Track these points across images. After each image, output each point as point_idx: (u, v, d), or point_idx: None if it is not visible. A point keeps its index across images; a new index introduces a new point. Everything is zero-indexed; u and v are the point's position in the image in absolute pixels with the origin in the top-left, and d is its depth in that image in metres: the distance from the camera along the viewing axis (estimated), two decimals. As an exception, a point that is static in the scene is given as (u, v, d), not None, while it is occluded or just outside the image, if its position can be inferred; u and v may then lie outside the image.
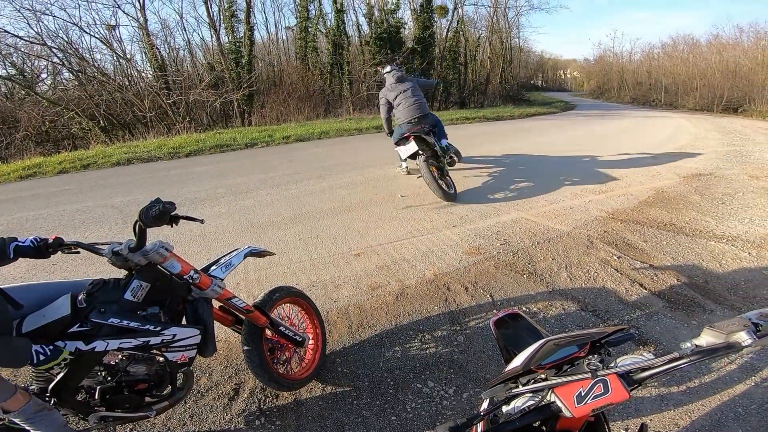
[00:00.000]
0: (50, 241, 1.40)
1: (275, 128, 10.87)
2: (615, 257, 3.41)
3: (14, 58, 13.47)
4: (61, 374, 1.32)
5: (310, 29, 16.70)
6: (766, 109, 17.85)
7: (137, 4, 13.52)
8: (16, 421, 1.26)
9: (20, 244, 1.36)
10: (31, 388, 1.36)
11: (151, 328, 1.36)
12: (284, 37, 19.07)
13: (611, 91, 33.34)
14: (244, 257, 1.80)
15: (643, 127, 12.67)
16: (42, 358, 1.19)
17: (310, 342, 2.11)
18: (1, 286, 1.29)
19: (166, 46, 15.54)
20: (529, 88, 36.12)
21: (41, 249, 1.38)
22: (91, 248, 1.42)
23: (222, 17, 14.72)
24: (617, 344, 0.99)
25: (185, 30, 17.17)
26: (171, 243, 1.46)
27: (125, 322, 1.30)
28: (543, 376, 0.97)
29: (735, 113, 19.31)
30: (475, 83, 22.17)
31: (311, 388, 2.05)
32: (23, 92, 13.40)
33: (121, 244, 1.38)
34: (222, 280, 1.62)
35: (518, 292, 2.88)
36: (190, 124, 11.92)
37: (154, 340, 1.38)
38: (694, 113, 19.97)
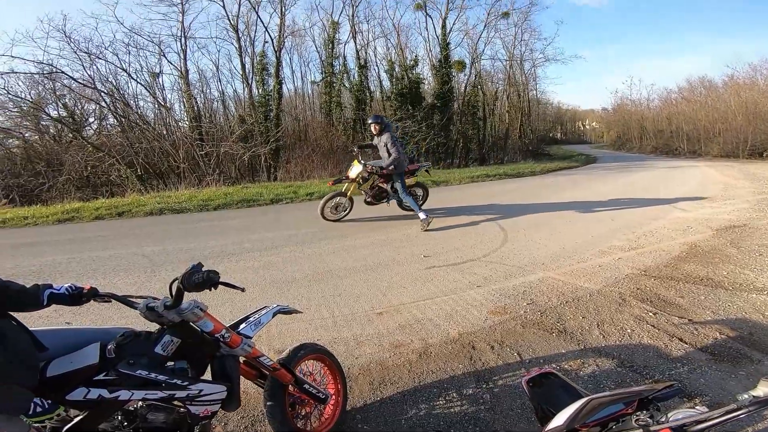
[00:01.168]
0: (85, 290, 1.44)
1: (300, 184, 11.25)
2: (650, 313, 3.24)
3: (67, 100, 14.32)
4: (80, 417, 1.30)
5: (334, 84, 17.72)
6: (794, 153, 17.34)
7: (180, 54, 14.79)
8: None
9: (55, 291, 1.38)
10: (42, 427, 1.31)
11: (179, 382, 1.36)
12: (309, 92, 20.29)
13: (632, 141, 33.26)
14: (273, 315, 1.82)
15: (669, 178, 12.51)
16: (39, 410, 1.18)
17: (332, 398, 2.07)
18: (30, 329, 1.30)
19: (202, 96, 16.65)
20: (548, 141, 36.56)
21: (75, 297, 1.41)
22: (125, 301, 1.45)
23: (254, 70, 15.78)
24: (665, 399, 0.96)
25: (220, 81, 18.22)
26: (198, 297, 1.49)
27: (153, 375, 1.30)
28: None
29: (761, 158, 18.86)
30: (494, 138, 22.61)
31: None
32: (71, 135, 14.08)
33: (156, 300, 1.40)
34: (251, 338, 1.63)
35: (548, 350, 2.75)
36: (219, 177, 12.41)
37: (179, 394, 1.37)
38: (719, 160, 19.66)
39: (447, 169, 16.09)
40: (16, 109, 13.44)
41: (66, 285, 1.42)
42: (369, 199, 6.69)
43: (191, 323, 1.43)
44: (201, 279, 1.34)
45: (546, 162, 19.28)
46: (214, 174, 12.55)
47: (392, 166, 6.10)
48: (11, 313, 1.26)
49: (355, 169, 6.38)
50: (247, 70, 15.69)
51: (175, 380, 1.35)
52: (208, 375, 1.55)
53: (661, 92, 35.79)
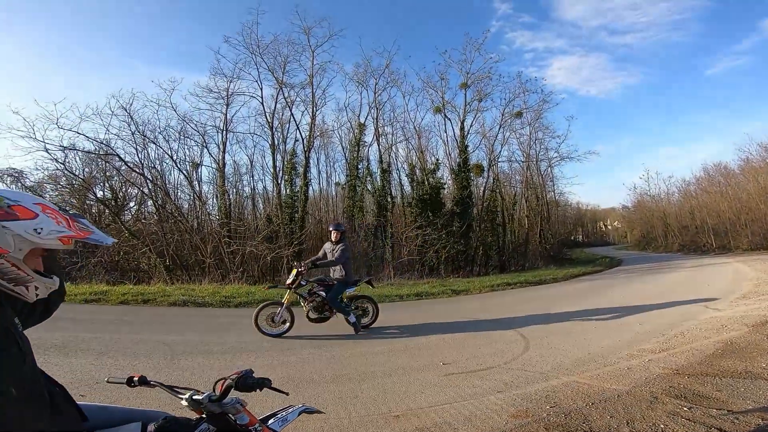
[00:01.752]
0: (135, 379, 1.58)
1: (320, 289, 11.28)
2: (685, 408, 3.03)
3: (114, 182, 14.77)
4: None
5: (358, 188, 18.16)
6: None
7: (220, 147, 15.54)
8: None
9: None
10: None
11: None
12: (333, 194, 20.80)
13: (657, 240, 32.37)
14: (299, 414, 1.91)
15: (699, 278, 12.04)
16: None
17: None
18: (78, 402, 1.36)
19: (235, 191, 17.17)
20: (570, 244, 35.96)
21: (128, 382, 1.56)
22: (171, 391, 1.55)
23: (284, 168, 16.34)
24: None
25: (252, 177, 18.93)
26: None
27: None
28: None
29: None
30: (514, 244, 22.27)
31: None
32: (110, 218, 14.39)
33: (201, 393, 1.51)
34: None
35: None
36: (242, 275, 12.60)
37: None
38: (750, 254, 18.81)
39: (467, 278, 15.71)
40: (67, 186, 14.03)
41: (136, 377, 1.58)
42: (312, 314, 6.22)
43: (229, 415, 1.53)
44: (254, 383, 1.50)
45: (568, 267, 18.84)
46: (237, 271, 12.79)
47: (339, 272, 6.13)
48: None
49: (293, 275, 6.11)
50: (277, 168, 16.34)
51: None
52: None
53: (679, 184, 35.04)
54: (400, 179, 20.58)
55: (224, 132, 15.99)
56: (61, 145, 12.99)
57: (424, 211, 17.90)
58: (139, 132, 14.10)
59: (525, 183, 24.07)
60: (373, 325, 6.52)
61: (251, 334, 5.97)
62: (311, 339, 5.83)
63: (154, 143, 14.82)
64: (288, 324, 5.87)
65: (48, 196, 13.72)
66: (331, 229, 6.26)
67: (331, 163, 24.15)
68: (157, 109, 14.96)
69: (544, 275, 15.27)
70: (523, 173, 24.15)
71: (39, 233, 0.97)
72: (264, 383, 1.51)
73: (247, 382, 1.49)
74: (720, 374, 3.69)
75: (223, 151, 15.98)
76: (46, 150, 12.61)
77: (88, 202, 14.84)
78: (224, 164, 16.04)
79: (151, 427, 1.34)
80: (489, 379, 4.15)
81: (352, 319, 5.93)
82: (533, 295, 11.03)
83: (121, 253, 13.38)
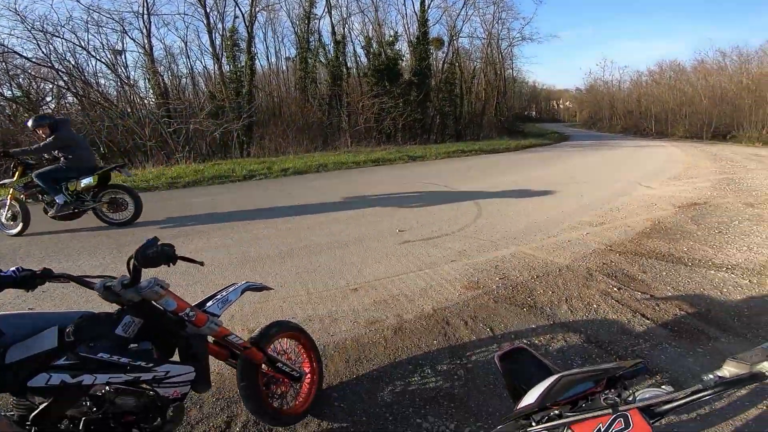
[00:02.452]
0: (38, 272, 1.38)
1: (274, 160, 11.05)
2: (615, 289, 3.37)
3: (21, 80, 13.56)
4: (45, 404, 1.25)
5: (309, 60, 17.20)
6: (755, 135, 18.31)
7: (144, 31, 14.01)
8: None
9: (2, 274, 1.32)
10: (9, 414, 1.28)
11: (143, 364, 1.31)
12: (284, 68, 19.63)
13: (603, 121, 34.17)
14: (242, 293, 1.75)
15: (636, 157, 12.93)
16: None
17: (307, 377, 2.05)
18: None
19: (169, 73, 15.91)
20: (523, 119, 37.08)
21: (27, 279, 1.36)
22: (81, 281, 1.39)
23: (224, 46, 15.17)
24: (632, 378, 0.97)
25: (188, 58, 17.61)
26: (161, 275, 1.43)
27: (115, 358, 1.26)
28: (557, 412, 0.94)
29: (724, 140, 19.76)
30: (470, 115, 22.72)
31: (306, 423, 1.97)
32: (27, 115, 13.19)
33: (113, 279, 1.34)
34: (218, 317, 1.57)
35: (519, 325, 2.82)
36: (189, 154, 12.03)
37: (145, 376, 1.33)
38: (685, 141, 20.42)
39: (423, 145, 16.15)
40: None
41: (12, 268, 1.36)
42: (47, 209, 5.08)
43: (153, 302, 1.37)
44: (155, 253, 1.29)
45: (520, 139, 19.61)
46: (183, 151, 12.17)
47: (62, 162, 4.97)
48: None
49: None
50: (216, 47, 15.06)
51: (139, 362, 1.30)
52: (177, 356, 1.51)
53: (632, 74, 36.92)
54: (355, 51, 19.35)
55: (146, 15, 13.97)
56: None
57: (380, 81, 17.36)
58: (35, 28, 12.40)
59: (485, 59, 23.46)
60: (325, 198, 6.50)
61: (202, 214, 5.82)
62: (264, 212, 5.68)
63: (59, 36, 13.07)
64: (20, 220, 4.93)
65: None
66: (30, 125, 5.02)
67: (280, 39, 23.06)
68: (52, 2, 13.05)
69: (498, 145, 15.95)
70: (484, 50, 23.37)
71: None
72: (166, 251, 1.31)
73: (147, 253, 1.28)
74: (647, 254, 4.10)
75: (148, 36, 14.16)
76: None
77: (-2, 103, 13.30)
78: (151, 48, 14.32)
79: (69, 329, 1.24)
80: (443, 248, 4.34)
81: (60, 200, 4.93)
82: (486, 163, 11.51)
83: None
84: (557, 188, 7.51)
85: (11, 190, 5.01)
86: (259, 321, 2.84)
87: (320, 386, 2.10)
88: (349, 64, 18.36)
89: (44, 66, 12.89)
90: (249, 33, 15.33)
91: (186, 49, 16.38)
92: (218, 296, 1.68)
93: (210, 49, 15.21)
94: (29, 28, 12.25)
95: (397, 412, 2.03)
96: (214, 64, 15.44)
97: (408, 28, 19.39)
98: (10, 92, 13.50)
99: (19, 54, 12.42)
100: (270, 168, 9.57)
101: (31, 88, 13.84)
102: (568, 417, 0.89)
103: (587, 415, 0.85)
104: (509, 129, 24.15)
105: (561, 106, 56.51)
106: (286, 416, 1.87)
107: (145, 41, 14.10)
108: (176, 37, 25.11)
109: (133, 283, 1.31)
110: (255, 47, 15.86)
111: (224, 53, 15.24)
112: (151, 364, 1.33)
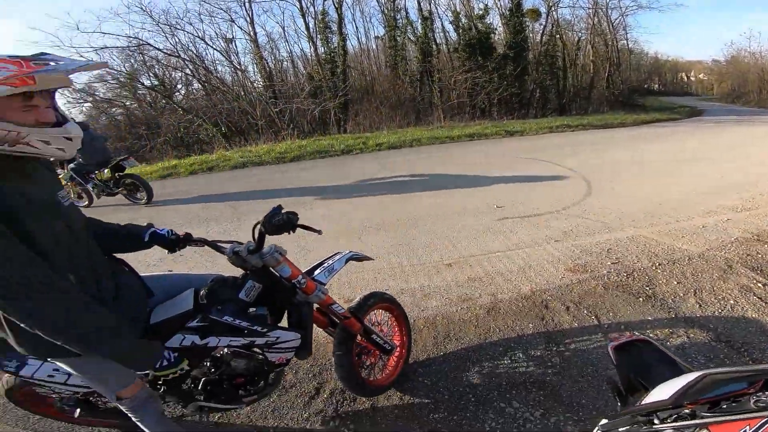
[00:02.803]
0: (181, 236, 1.53)
1: (369, 135, 11.34)
2: (760, 285, 2.81)
3: (156, 70, 15.84)
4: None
5: (398, 38, 17.06)
6: None
7: (247, 18, 15.25)
8: (121, 407, 1.33)
9: (157, 231, 1.48)
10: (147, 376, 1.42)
11: (259, 329, 1.40)
12: (374, 47, 19.71)
13: (750, 95, 28.33)
14: (346, 262, 1.79)
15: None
16: (165, 364, 1.23)
17: (396, 350, 2.05)
18: (141, 275, 1.40)
19: (273, 57, 17.13)
20: (643, 92, 32.26)
21: (173, 241, 1.51)
22: (215, 246, 1.51)
23: (317, 28, 15.76)
24: None
25: (287, 42, 19.34)
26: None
27: (237, 322, 1.34)
28: (689, 411, 0.83)
29: None
30: (576, 88, 20.41)
31: (389, 396, 1.97)
32: (164, 101, 15.77)
33: (241, 245, 1.44)
34: (325, 285, 1.63)
35: (631, 316, 2.52)
36: (293, 131, 13.01)
37: (259, 341, 1.42)
38: None
39: (522, 120, 15.03)
40: (114, 82, 15.15)
41: (167, 228, 1.53)
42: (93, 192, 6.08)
43: (271, 268, 1.45)
44: (281, 221, 1.36)
45: (640, 113, 16.89)
46: (288, 129, 13.19)
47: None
48: (120, 256, 1.39)
49: None
50: (310, 29, 15.73)
51: (256, 327, 1.39)
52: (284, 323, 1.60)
53: None
54: (443, 27, 18.36)
55: (248, 3, 15.16)
56: (92, 47, 13.20)
57: (472, 56, 16.40)
58: (162, 22, 14.12)
59: (591, 30, 20.37)
60: (421, 171, 6.41)
61: (306, 186, 6.22)
62: (363, 185, 5.82)
63: (180, 29, 14.82)
64: (86, 198, 6.08)
65: (101, 94, 15.37)
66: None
67: (368, 18, 23.36)
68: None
69: (611, 120, 13.97)
70: (590, 20, 20.23)
71: None
72: (291, 219, 1.37)
73: (273, 221, 1.36)
74: (812, 245, 3.35)
75: (252, 23, 15.35)
76: (80, 55, 12.68)
77: (140, 92, 15.88)
78: (255, 34, 15.54)
79: (202, 292, 1.34)
80: (546, 227, 4.04)
81: (90, 187, 5.93)
82: (596, 138, 10.27)
83: (182, 129, 14.64)
84: (688, 167, 6.44)
85: (63, 181, 6.26)
86: (353, 290, 2.93)
87: (407, 360, 2.09)
88: (438, 40, 17.70)
89: (173, 56, 14.71)
90: (339, 14, 15.63)
91: (284, 34, 17.97)
92: (324, 265, 1.73)
93: (305, 32, 15.92)
94: (156, 22, 13.96)
95: (480, 394, 1.96)
96: (310, 47, 16.14)
97: (498, 0, 17.90)
98: (148, 81, 15.84)
99: (152, 46, 14.24)
100: (365, 143, 9.87)
101: (165, 77, 16.06)
102: (705, 417, 0.78)
103: (732, 417, 0.74)
104: (625, 103, 21.11)
105: (692, 78, 48.07)
106: (372, 387, 1.89)
107: (250, 29, 15.29)
108: (275, 22, 27.07)
109: (257, 249, 1.39)
110: (345, 28, 16.22)
111: (318, 35, 15.78)
112: (265, 329, 1.41)
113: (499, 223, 4.18)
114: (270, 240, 1.42)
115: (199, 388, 1.48)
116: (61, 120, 1.04)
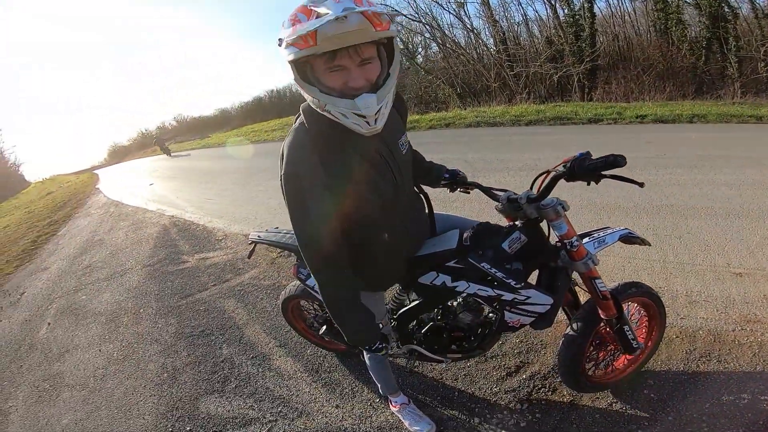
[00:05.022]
0: (460, 174, 1.53)
1: (624, 106, 9.49)
2: None
3: (401, 35, 17.21)
4: (416, 302, 1.41)
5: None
6: None
7: None
8: None
9: (447, 169, 1.52)
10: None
11: (512, 283, 1.26)
12: (630, 10, 16.34)
13: None
14: (619, 238, 1.49)
15: None
16: (380, 346, 1.24)
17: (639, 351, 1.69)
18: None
19: (506, 20, 16.51)
20: None
21: (454, 182, 1.52)
22: (488, 191, 1.43)
23: None
24: None
25: (520, 5, 17.98)
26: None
27: (493, 271, 1.24)
28: None
29: None
30: None
31: (598, 396, 1.70)
32: (407, 63, 17.41)
33: (517, 193, 1.31)
34: (594, 255, 1.36)
35: None
36: (528, 96, 12.44)
37: (507, 296, 1.28)
38: None
39: None
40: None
41: (454, 168, 1.54)
42: None
43: (542, 224, 1.29)
44: (602, 162, 1.07)
45: None
46: (523, 93, 12.69)
47: None
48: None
49: None
50: None
51: (510, 280, 1.25)
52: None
53: None
54: None
55: None
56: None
57: None
58: None
59: None
60: (707, 154, 4.80)
61: (546, 151, 5.71)
62: (629, 168, 4.61)
63: None
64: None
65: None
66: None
67: None
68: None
69: None
70: None
71: (282, 46, 0.82)
72: (618, 162, 1.06)
73: (585, 164, 1.09)
74: None
75: None
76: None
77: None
78: None
79: (467, 233, 1.27)
80: None
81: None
82: None
83: (422, 88, 16.23)
84: None
85: None
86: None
87: (641, 366, 1.74)
88: (731, 3, 13.10)
89: (414, 20, 15.89)
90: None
91: (518, -2, 16.33)
92: (594, 235, 1.48)
93: (543, -7, 14.62)
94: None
95: (718, 426, 1.52)
96: (547, 10, 14.87)
97: None
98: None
99: (400, 12, 15.26)
100: (620, 113, 8.27)
101: (408, 41, 17.56)
102: None
103: None
104: None
105: None
106: (589, 383, 1.63)
107: (482, -10, 14.93)
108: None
109: (538, 199, 1.22)
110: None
111: (558, -2, 14.23)
112: (519, 286, 1.27)
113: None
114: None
115: (422, 332, 1.47)
116: (381, 84, 0.88)
